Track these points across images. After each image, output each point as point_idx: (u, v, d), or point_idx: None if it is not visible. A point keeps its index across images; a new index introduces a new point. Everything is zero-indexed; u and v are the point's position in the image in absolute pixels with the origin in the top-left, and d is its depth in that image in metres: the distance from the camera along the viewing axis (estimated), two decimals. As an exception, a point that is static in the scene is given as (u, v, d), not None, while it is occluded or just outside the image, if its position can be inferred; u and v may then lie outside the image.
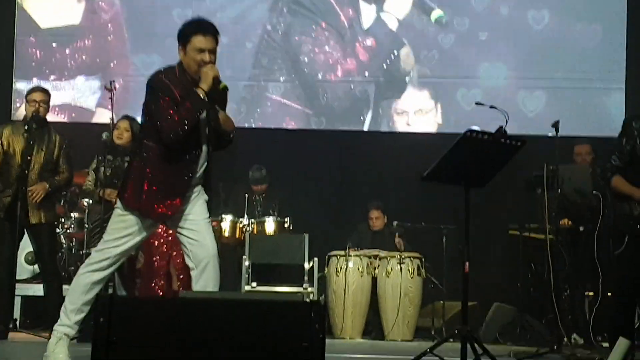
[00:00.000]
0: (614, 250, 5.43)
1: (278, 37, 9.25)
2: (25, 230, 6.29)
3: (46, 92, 6.41)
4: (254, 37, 9.24)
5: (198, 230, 4.65)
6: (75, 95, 9.13)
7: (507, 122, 4.96)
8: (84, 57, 9.18)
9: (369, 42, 9.22)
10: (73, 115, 9.15)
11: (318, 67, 9.26)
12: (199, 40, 4.50)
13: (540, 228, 7.18)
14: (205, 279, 4.58)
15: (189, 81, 4.54)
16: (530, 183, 7.48)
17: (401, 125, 9.28)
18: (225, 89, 4.55)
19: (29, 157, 6.16)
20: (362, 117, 9.25)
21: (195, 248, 4.62)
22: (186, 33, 4.56)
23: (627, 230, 5.38)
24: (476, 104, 5.73)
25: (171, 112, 4.44)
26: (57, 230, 7.16)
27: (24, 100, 6.39)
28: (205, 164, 4.69)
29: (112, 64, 9.05)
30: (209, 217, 4.74)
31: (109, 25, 9.20)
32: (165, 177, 4.59)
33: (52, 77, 9.16)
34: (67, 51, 9.19)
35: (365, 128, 9.25)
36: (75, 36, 9.23)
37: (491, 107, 5.47)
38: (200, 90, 4.47)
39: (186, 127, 4.44)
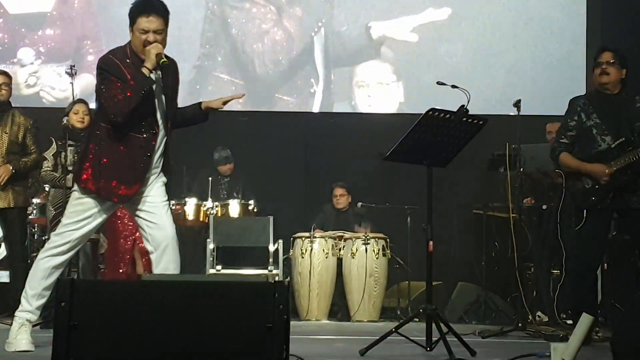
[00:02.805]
0: (575, 227, 5.50)
1: (219, 13, 9.21)
2: None
3: (6, 75, 6.33)
4: (199, 16, 9.19)
5: (156, 212, 4.63)
6: (43, 81, 9.03)
7: (468, 101, 4.97)
8: (53, 43, 9.07)
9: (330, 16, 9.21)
10: (41, 100, 9.05)
11: (264, 43, 9.20)
12: (142, 21, 4.51)
13: (503, 207, 7.22)
14: (165, 261, 4.57)
15: (139, 61, 4.53)
16: (493, 162, 7.54)
17: (361, 99, 9.27)
18: (165, 64, 4.53)
19: None
20: (317, 93, 9.24)
21: (153, 231, 4.61)
22: (132, 14, 4.57)
23: (584, 205, 5.46)
24: (438, 83, 5.72)
25: (117, 90, 4.46)
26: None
27: None
28: (165, 141, 4.67)
29: (83, 50, 8.98)
30: (168, 200, 4.73)
31: (81, 12, 9.08)
32: (123, 158, 4.58)
33: (18, 61, 9.04)
34: (36, 37, 9.07)
35: (324, 100, 9.24)
36: (45, 23, 9.09)
37: (453, 86, 5.47)
38: (145, 69, 4.47)
39: (131, 106, 4.44)
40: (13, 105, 6.47)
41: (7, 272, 6.66)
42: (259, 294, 3.30)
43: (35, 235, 7.55)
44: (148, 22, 4.51)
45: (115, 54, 4.61)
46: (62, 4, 9.12)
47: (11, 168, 6.13)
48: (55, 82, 8.95)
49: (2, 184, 6.11)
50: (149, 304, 3.30)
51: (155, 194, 4.67)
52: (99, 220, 4.69)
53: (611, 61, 5.47)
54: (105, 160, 4.59)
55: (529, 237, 7.32)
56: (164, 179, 4.73)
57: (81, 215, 4.64)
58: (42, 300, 4.69)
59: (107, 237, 7.16)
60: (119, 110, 4.47)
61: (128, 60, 4.55)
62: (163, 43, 4.55)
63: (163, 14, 4.56)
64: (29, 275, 4.75)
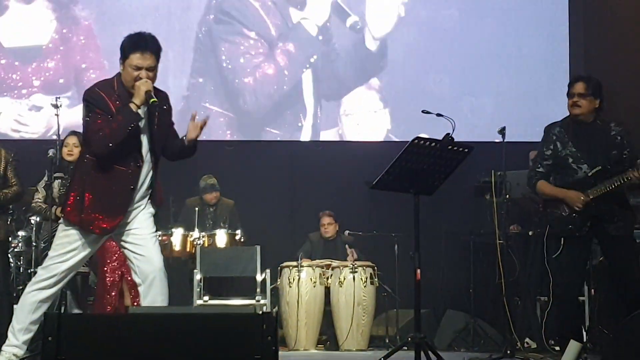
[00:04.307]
0: (553, 254, 5.48)
1: (209, 45, 9.25)
2: None
3: None
4: (188, 46, 9.24)
5: (144, 245, 4.64)
6: (35, 113, 9.04)
7: (454, 129, 5.01)
8: (47, 76, 9.07)
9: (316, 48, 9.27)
10: (33, 132, 9.04)
11: (255, 77, 9.24)
12: (136, 57, 4.53)
13: (490, 233, 7.24)
14: (153, 294, 4.58)
15: (127, 95, 4.54)
16: (479, 189, 7.57)
17: (348, 127, 9.32)
18: (154, 103, 4.53)
19: None
20: (302, 123, 9.28)
21: (141, 263, 4.62)
22: (124, 49, 4.58)
23: (562, 233, 5.45)
24: (423, 112, 5.75)
25: (102, 123, 4.47)
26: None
27: None
28: (151, 174, 4.67)
29: (85, 80, 8.87)
30: (156, 231, 4.73)
31: (80, 44, 9.10)
32: (107, 191, 4.59)
33: (12, 93, 9.06)
34: (30, 70, 9.07)
35: (312, 133, 9.27)
36: (41, 56, 9.10)
37: (438, 115, 5.51)
38: (133, 104, 4.48)
39: (117, 140, 4.47)
40: (12, 137, 6.45)
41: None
42: (247, 326, 3.29)
43: (21, 269, 7.49)
44: (142, 59, 4.52)
45: (101, 86, 4.63)
46: (60, 36, 9.13)
47: None
48: (45, 114, 8.95)
49: None
50: (137, 337, 3.28)
51: (142, 226, 4.67)
52: (85, 253, 4.68)
53: (582, 93, 5.42)
54: (88, 192, 4.60)
55: (516, 264, 7.34)
56: (151, 210, 4.73)
57: (67, 247, 4.63)
58: (29, 335, 4.66)
59: (95, 269, 7.13)
60: (103, 143, 4.48)
61: (115, 94, 4.57)
62: (154, 79, 4.56)
63: (156, 51, 4.58)
64: (16, 309, 4.72)
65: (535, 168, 5.57)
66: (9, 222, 6.36)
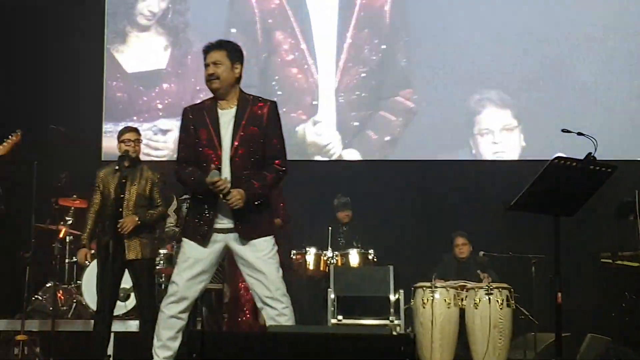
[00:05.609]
0: None
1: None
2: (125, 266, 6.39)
3: (136, 132, 6.51)
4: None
5: (258, 268, 4.71)
6: (160, 136, 9.33)
7: (596, 149, 4.85)
8: (169, 99, 9.38)
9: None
10: (162, 156, 9.35)
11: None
12: (205, 59, 4.83)
13: (633, 255, 6.98)
14: (274, 314, 4.66)
15: (215, 116, 4.76)
16: (622, 209, 7.32)
17: (486, 146, 9.21)
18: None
19: (121, 195, 6.26)
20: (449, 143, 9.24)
21: (256, 288, 4.72)
22: None
23: None
24: (563, 131, 5.59)
25: (185, 153, 4.83)
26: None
27: (117, 140, 6.52)
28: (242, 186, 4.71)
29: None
30: (271, 253, 4.77)
31: (193, 67, 9.35)
32: (200, 200, 4.76)
33: (139, 118, 9.40)
34: (153, 94, 9.41)
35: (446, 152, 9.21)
36: (161, 80, 9.45)
37: (579, 134, 5.35)
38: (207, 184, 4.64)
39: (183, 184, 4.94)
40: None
41: (137, 322, 6.79)
42: (386, 347, 3.28)
43: (163, 285, 7.70)
44: (207, 58, 4.82)
45: (194, 106, 4.93)
46: (176, 60, 9.46)
47: (137, 219, 6.29)
48: (171, 136, 9.23)
49: (126, 233, 6.23)
50: (276, 356, 3.32)
51: (256, 249, 4.73)
52: (200, 267, 4.77)
53: None
54: (190, 204, 4.93)
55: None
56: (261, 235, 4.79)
57: (181, 258, 4.82)
58: (169, 352, 4.75)
59: (229, 285, 7.26)
60: (178, 175, 4.86)
61: (204, 108, 4.81)
62: (222, 74, 4.77)
63: (221, 46, 4.82)
64: (155, 327, 4.86)
65: None
66: (155, 242, 6.54)
